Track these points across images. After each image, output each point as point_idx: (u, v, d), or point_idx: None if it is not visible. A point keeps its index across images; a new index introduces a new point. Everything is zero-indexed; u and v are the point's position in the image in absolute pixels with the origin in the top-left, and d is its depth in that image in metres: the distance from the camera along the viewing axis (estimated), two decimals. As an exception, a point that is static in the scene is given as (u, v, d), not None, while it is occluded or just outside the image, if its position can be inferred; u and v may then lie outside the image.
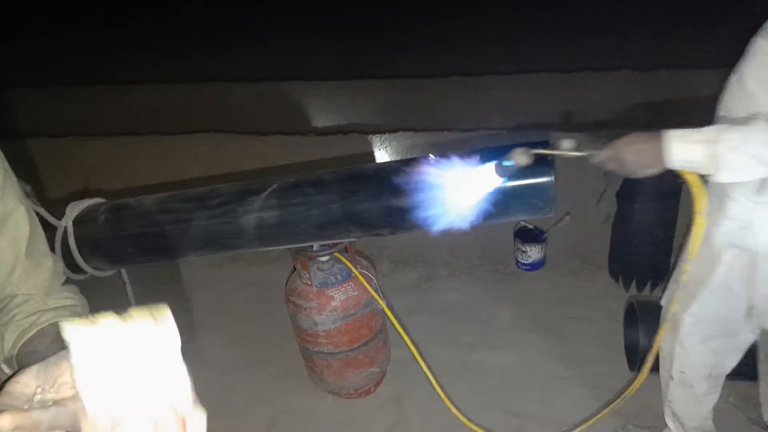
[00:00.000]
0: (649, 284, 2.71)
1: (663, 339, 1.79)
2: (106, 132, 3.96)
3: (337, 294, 2.10)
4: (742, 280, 1.51)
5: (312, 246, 2.02)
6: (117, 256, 1.75)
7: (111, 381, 0.53)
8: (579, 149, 1.33)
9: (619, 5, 5.41)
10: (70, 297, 0.94)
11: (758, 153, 1.23)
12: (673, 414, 1.83)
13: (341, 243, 2.04)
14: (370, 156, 3.46)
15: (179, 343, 0.57)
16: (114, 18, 7.53)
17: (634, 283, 2.73)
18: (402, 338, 2.04)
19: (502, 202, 1.47)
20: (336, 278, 2.12)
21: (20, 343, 0.83)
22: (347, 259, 2.08)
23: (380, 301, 2.07)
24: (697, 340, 1.65)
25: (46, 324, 0.84)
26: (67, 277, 1.00)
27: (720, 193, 1.45)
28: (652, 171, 1.34)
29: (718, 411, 1.83)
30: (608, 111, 3.57)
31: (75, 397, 0.57)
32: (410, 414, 2.29)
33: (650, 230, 2.61)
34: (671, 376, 1.77)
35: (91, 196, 1.81)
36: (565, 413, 2.16)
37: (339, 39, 5.98)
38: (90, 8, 7.69)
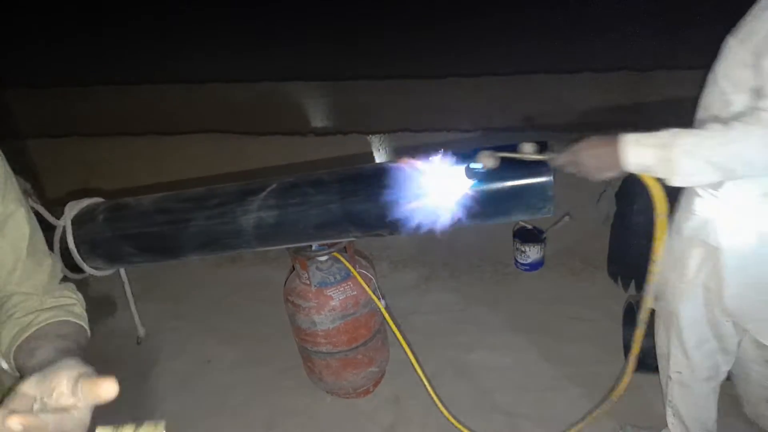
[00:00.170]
0: (647, 285, 2.71)
1: (660, 338, 1.79)
2: (105, 132, 3.96)
3: (336, 294, 2.10)
4: (715, 279, 1.49)
5: (311, 246, 2.02)
6: (115, 255, 1.75)
7: None
8: (541, 153, 1.36)
9: (619, 5, 5.42)
10: (67, 296, 0.94)
11: (712, 157, 1.22)
12: (675, 414, 1.82)
13: (340, 243, 2.04)
14: (370, 156, 3.46)
15: None
16: (114, 18, 7.53)
17: (633, 284, 2.73)
18: (404, 337, 2.05)
19: (502, 202, 1.48)
20: (335, 278, 2.12)
21: (19, 341, 0.83)
22: (346, 259, 2.08)
23: (377, 301, 2.07)
24: (693, 345, 1.62)
25: (44, 324, 0.85)
26: (65, 275, 1.01)
27: (688, 189, 1.46)
28: (610, 175, 1.35)
29: (721, 410, 1.80)
30: (609, 112, 3.58)
31: (74, 406, 0.59)
32: (409, 414, 2.29)
33: (649, 231, 2.60)
34: (669, 377, 1.76)
35: (90, 196, 1.81)
36: (563, 414, 2.16)
37: (339, 39, 5.98)
38: (90, 8, 7.69)
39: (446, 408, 2.04)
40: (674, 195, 1.57)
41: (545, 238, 2.97)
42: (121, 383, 0.59)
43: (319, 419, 2.33)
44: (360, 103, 4.39)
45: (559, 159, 1.37)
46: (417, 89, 4.45)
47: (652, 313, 2.20)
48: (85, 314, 0.95)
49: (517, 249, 3.00)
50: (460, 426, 2.03)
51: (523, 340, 2.56)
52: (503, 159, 1.37)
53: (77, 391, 0.59)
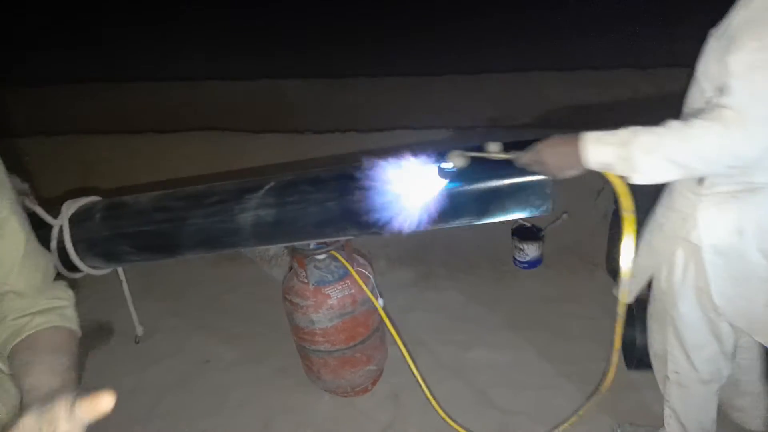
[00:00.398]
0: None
1: (654, 338, 1.78)
2: (102, 130, 3.96)
3: (334, 292, 2.10)
4: (702, 278, 1.47)
5: (309, 244, 2.02)
6: (113, 254, 1.75)
7: None
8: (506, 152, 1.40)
9: (619, 5, 5.42)
10: (59, 296, 0.97)
11: (671, 155, 1.21)
12: (672, 414, 1.81)
13: (338, 241, 2.04)
14: (368, 154, 3.45)
15: None
16: (113, 18, 7.53)
17: (631, 282, 2.73)
18: (400, 336, 2.05)
19: (500, 200, 1.48)
20: (333, 276, 2.11)
21: (12, 345, 0.86)
22: (344, 258, 2.08)
23: (373, 300, 2.07)
24: (693, 346, 1.59)
25: (36, 330, 0.88)
26: (58, 272, 1.04)
27: (669, 185, 1.45)
28: (572, 173, 1.35)
29: (720, 411, 1.80)
30: (609, 110, 3.58)
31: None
32: (408, 412, 2.29)
33: (647, 229, 2.61)
34: (667, 377, 1.74)
35: (87, 194, 1.81)
36: (561, 411, 2.16)
37: (338, 39, 5.98)
38: (89, 8, 7.68)
39: (442, 407, 2.03)
40: (655, 193, 1.57)
41: (544, 236, 2.98)
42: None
43: (317, 418, 2.33)
44: (358, 101, 4.39)
45: (523, 158, 1.39)
46: (417, 86, 4.45)
47: (632, 308, 2.18)
48: (75, 315, 0.98)
49: (516, 247, 3.00)
50: (455, 425, 2.03)
51: (521, 338, 2.57)
52: (473, 158, 1.42)
53: (74, 417, 0.67)
